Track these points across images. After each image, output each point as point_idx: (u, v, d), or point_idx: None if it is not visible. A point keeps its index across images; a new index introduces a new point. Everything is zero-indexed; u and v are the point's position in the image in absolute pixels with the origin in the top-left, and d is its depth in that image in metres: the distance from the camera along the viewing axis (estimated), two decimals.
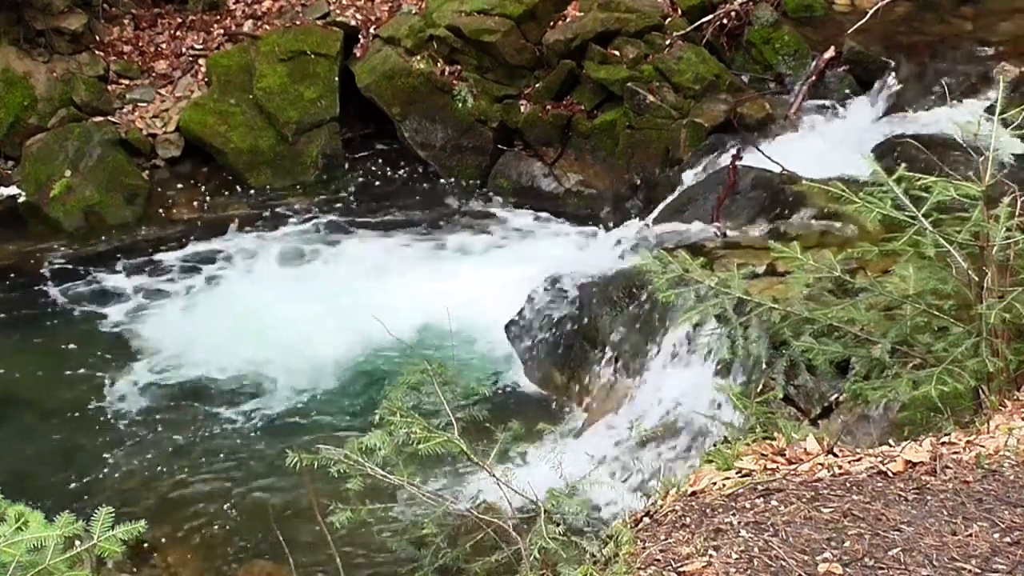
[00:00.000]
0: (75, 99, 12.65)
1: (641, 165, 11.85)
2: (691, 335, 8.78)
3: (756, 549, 3.85)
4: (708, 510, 4.15)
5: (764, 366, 7.34)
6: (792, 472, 4.39)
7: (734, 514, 4.08)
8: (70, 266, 11.69)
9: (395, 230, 12.01)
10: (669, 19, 12.45)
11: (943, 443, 4.55)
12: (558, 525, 4.78)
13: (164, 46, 13.42)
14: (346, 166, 12.96)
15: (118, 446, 9.51)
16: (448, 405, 5.20)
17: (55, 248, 11.94)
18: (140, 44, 13.41)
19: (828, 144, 11.05)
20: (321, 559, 7.05)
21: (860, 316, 5.69)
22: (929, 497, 4.13)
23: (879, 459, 4.40)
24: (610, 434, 8.96)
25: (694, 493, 4.35)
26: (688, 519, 4.13)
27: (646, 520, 4.28)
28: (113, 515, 3.91)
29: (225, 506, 8.82)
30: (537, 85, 12.45)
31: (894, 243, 5.51)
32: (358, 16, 13.48)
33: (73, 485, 8.99)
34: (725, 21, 12.29)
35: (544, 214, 12.10)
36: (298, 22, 13.35)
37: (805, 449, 4.61)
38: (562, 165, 12.34)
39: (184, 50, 13.37)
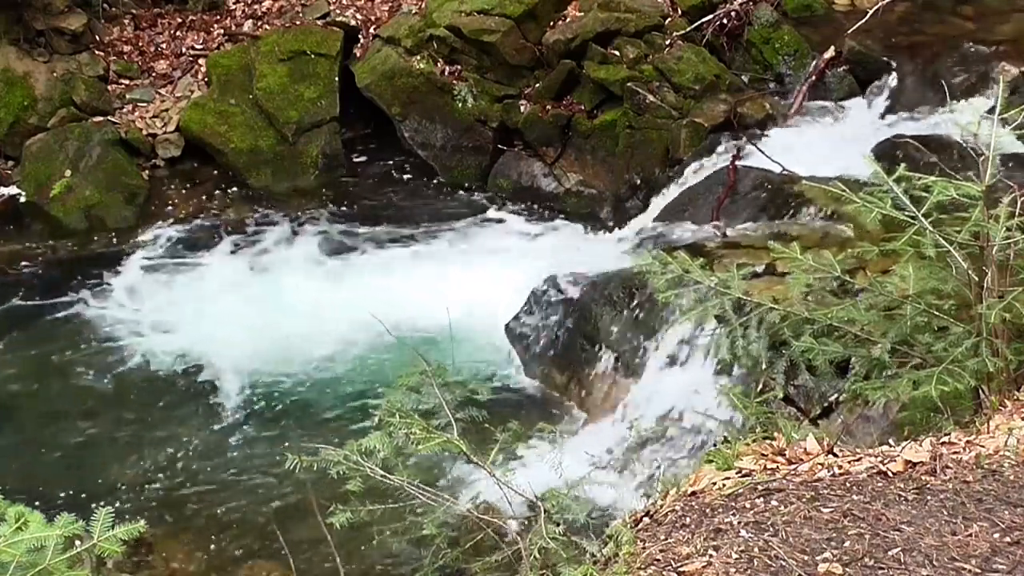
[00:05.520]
0: (75, 99, 12.64)
1: (641, 165, 11.84)
2: (691, 335, 8.79)
3: (756, 549, 3.85)
4: (708, 510, 4.15)
5: (764, 366, 7.34)
6: (792, 472, 4.39)
7: (734, 514, 4.08)
8: (70, 266, 11.68)
9: (395, 230, 11.99)
10: (669, 19, 12.44)
11: (943, 443, 4.55)
12: (558, 525, 4.78)
13: (164, 46, 13.41)
14: (346, 166, 12.95)
15: (118, 446, 9.51)
16: (447, 406, 5.20)
17: (55, 248, 11.93)
18: (140, 44, 13.40)
19: (828, 144, 11.04)
20: (321, 559, 7.05)
21: (860, 316, 5.69)
22: (929, 497, 4.13)
23: (879, 459, 4.40)
24: (610, 434, 8.96)
25: (694, 493, 4.36)
26: (688, 519, 4.14)
27: (646, 520, 4.29)
28: (113, 515, 3.91)
29: (225, 506, 8.82)
30: (537, 85, 12.44)
31: (894, 243, 5.51)
32: (358, 16, 13.47)
33: (73, 485, 8.99)
34: (725, 21, 12.28)
35: (544, 214, 12.09)
36: (298, 22, 13.34)
37: (805, 449, 4.62)
38: (562, 165, 12.33)
39: (184, 50, 13.37)
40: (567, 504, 4.91)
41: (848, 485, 4.22)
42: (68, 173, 12.25)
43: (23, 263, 11.75)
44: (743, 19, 12.28)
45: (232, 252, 11.81)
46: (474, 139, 12.59)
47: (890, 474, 4.30)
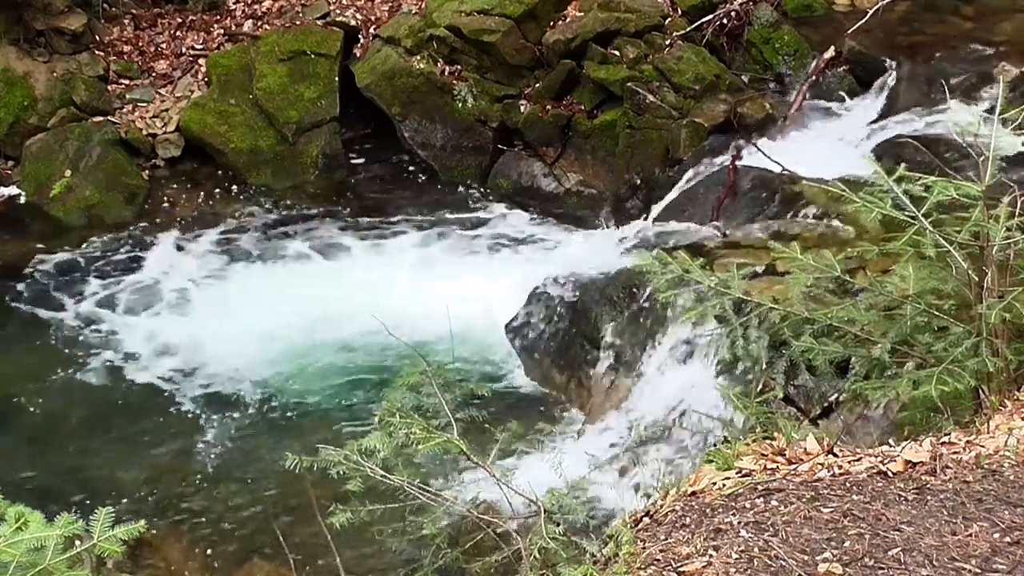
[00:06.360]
0: (75, 99, 12.64)
1: (641, 165, 11.84)
2: (691, 335, 8.79)
3: (756, 549, 3.85)
4: (708, 510, 4.15)
5: (764, 366, 7.34)
6: (792, 472, 4.39)
7: (734, 514, 4.08)
8: (70, 266, 11.68)
9: (394, 230, 12.00)
10: (669, 19, 12.44)
11: (943, 443, 4.55)
12: (558, 525, 4.78)
13: (164, 46, 13.41)
14: (346, 166, 12.95)
15: (118, 446, 9.51)
16: (447, 406, 5.20)
17: (55, 248, 11.92)
18: (140, 44, 13.40)
19: (828, 144, 11.04)
20: (321, 559, 7.06)
21: (860, 316, 5.69)
22: (929, 497, 4.13)
23: (879, 459, 4.40)
24: (610, 434, 8.96)
25: (694, 493, 4.36)
26: (688, 519, 4.14)
27: (646, 520, 4.29)
28: (113, 515, 3.91)
29: (225, 506, 8.82)
30: (537, 85, 12.44)
31: (894, 243, 5.51)
32: (358, 16, 13.47)
33: (73, 485, 8.98)
34: (725, 21, 12.27)
35: (544, 214, 12.09)
36: (298, 22, 13.34)
37: (805, 449, 4.62)
38: (562, 165, 12.33)
39: (184, 50, 13.37)
40: (567, 504, 4.91)
41: (848, 485, 4.22)
42: (68, 173, 12.26)
43: (23, 263, 11.75)
44: (743, 19, 12.27)
45: (231, 252, 11.81)
46: (474, 139, 12.59)
47: (890, 474, 4.30)
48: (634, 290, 9.55)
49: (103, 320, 10.99)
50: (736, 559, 3.81)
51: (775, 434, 4.82)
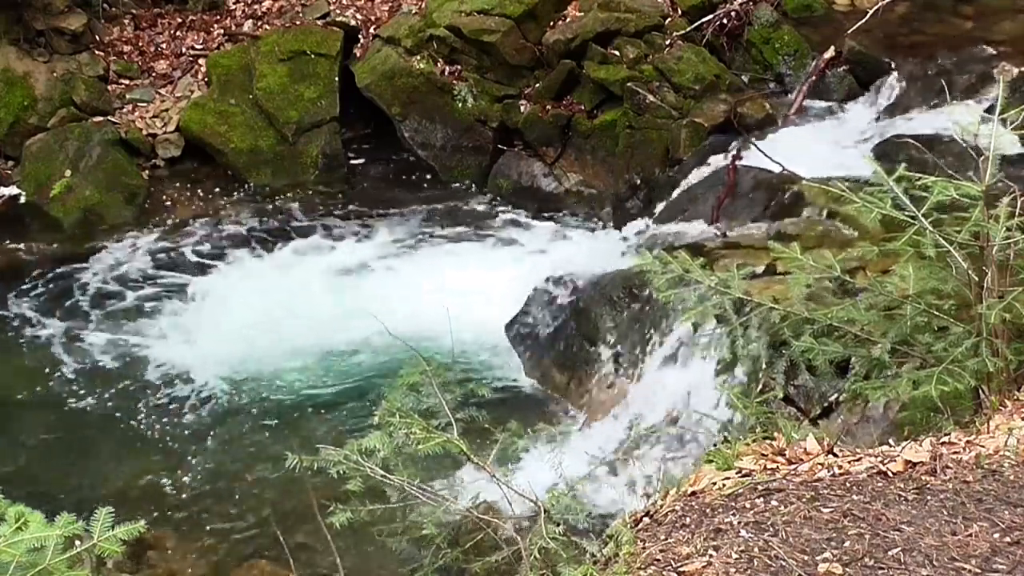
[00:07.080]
0: (75, 99, 12.64)
1: (641, 165, 11.84)
2: (691, 335, 8.78)
3: (756, 549, 3.85)
4: (708, 510, 4.15)
5: (764, 366, 7.34)
6: (792, 472, 4.39)
7: (734, 514, 4.08)
8: (69, 266, 11.68)
9: (394, 230, 12.00)
10: (669, 19, 12.44)
11: (943, 443, 4.55)
12: (558, 525, 4.78)
13: (164, 46, 13.41)
14: (346, 166, 12.96)
15: (118, 446, 9.51)
16: (447, 405, 5.20)
17: (55, 247, 11.93)
18: (140, 44, 13.40)
19: (828, 144, 11.04)
20: (321, 559, 7.05)
21: (860, 316, 5.69)
22: (929, 497, 4.13)
23: (879, 459, 4.40)
24: (610, 434, 8.96)
25: (694, 493, 4.36)
26: (688, 519, 4.14)
27: (646, 520, 4.29)
28: (113, 515, 3.91)
29: (225, 506, 8.82)
30: (537, 85, 12.44)
31: (894, 243, 5.51)
32: (358, 16, 13.48)
33: (73, 485, 8.99)
34: (725, 21, 12.27)
35: (544, 214, 12.09)
36: (298, 22, 13.34)
37: (805, 449, 4.62)
38: (562, 165, 12.33)
39: (184, 50, 13.37)
40: (567, 504, 4.91)
41: (848, 485, 4.22)
42: (68, 173, 12.25)
43: (23, 263, 11.75)
44: (743, 19, 12.27)
45: (230, 252, 11.82)
46: (474, 139, 12.59)
47: (890, 474, 4.30)
48: (634, 290, 9.55)
49: (101, 320, 11.00)
50: (736, 559, 3.81)
51: (775, 434, 4.82)
